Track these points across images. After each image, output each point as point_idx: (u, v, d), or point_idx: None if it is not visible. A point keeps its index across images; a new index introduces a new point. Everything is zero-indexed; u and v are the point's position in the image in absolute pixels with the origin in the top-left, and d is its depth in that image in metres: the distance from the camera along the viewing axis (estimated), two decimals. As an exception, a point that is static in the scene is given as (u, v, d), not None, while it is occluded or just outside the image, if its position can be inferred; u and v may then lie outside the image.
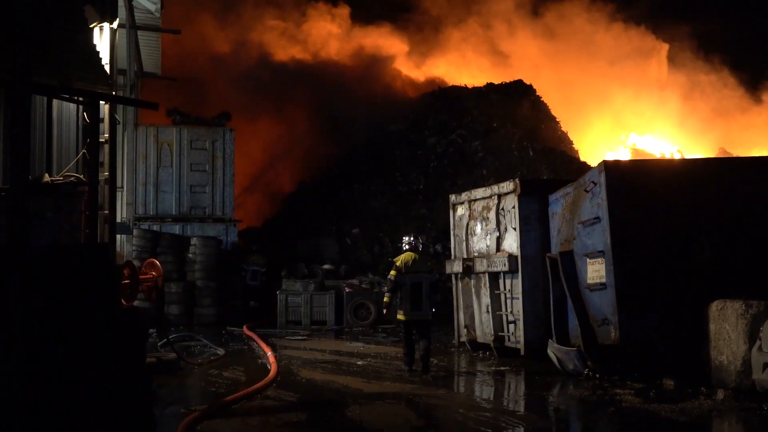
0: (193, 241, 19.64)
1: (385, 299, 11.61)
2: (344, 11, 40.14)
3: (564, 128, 33.99)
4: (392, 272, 11.37)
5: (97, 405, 6.35)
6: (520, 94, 33.65)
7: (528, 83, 34.56)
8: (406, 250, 11.58)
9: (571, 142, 33.26)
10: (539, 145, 29.60)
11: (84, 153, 10.49)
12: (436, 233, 24.27)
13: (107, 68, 10.95)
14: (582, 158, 31.18)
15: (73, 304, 6.22)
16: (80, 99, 10.61)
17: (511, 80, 34.71)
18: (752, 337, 9.01)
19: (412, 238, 11.73)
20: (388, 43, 39.78)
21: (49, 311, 6.09)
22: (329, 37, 38.00)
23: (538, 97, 34.19)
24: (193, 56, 32.90)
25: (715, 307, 9.55)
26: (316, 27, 38.15)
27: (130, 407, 6.69)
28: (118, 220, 19.53)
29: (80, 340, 6.24)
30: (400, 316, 11.37)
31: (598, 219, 10.52)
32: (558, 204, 11.95)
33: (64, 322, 6.19)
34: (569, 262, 11.23)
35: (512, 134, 30.05)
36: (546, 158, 28.45)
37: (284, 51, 36.67)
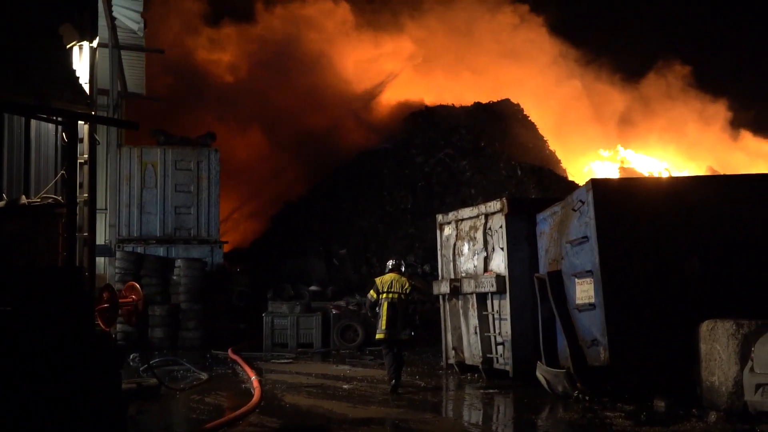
0: (178, 263, 19.37)
1: (369, 314, 12.38)
2: (331, 26, 40.08)
3: (552, 147, 34.01)
4: (371, 291, 11.94)
5: (67, 435, 6.11)
6: (508, 113, 33.64)
7: (515, 102, 34.59)
8: (388, 271, 12.08)
9: (559, 161, 33.25)
10: (527, 164, 29.52)
11: (63, 174, 10.24)
12: (424, 253, 24.07)
13: (86, 87, 10.71)
14: (570, 177, 31.16)
15: (41, 329, 5.99)
16: (58, 119, 10.40)
17: (499, 99, 34.69)
18: (744, 357, 8.86)
19: (394, 261, 12.28)
20: (378, 61, 39.72)
21: (15, 336, 5.85)
22: (317, 54, 37.85)
23: (526, 116, 34.22)
24: (177, 76, 32.75)
25: (705, 327, 9.40)
26: (303, 45, 37.98)
27: (103, 436, 6.45)
28: (100, 242, 19.25)
29: (48, 365, 6.00)
30: (377, 335, 11.77)
31: (586, 238, 10.36)
32: (546, 223, 11.80)
33: (30, 347, 5.95)
34: (557, 282, 11.06)
35: (500, 153, 29.97)
36: (534, 177, 28.34)
37: (270, 69, 36.51)
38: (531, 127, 33.93)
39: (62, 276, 6.57)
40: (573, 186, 26.44)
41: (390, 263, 12.23)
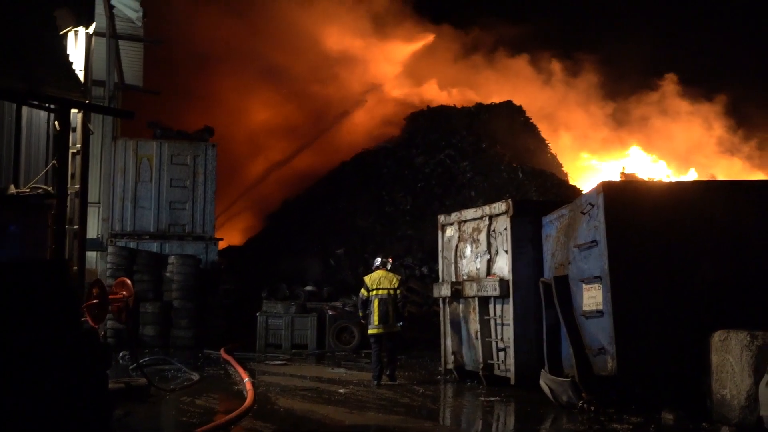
0: (171, 259, 18.98)
1: (360, 313, 13.00)
2: (339, 29, 39.65)
3: (553, 150, 33.72)
4: (362, 290, 12.74)
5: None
6: (509, 115, 33.33)
7: (518, 104, 34.28)
8: (376, 268, 12.93)
9: (560, 165, 32.94)
10: (529, 167, 29.20)
11: (54, 164, 9.89)
12: (423, 255, 23.74)
13: (81, 75, 10.35)
14: (571, 182, 30.84)
15: (22, 324, 5.61)
16: (51, 106, 10.05)
17: (501, 101, 34.39)
18: (758, 370, 8.51)
19: (381, 258, 13.14)
20: (379, 61, 39.36)
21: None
22: (320, 53, 37.46)
23: (528, 119, 33.92)
24: (176, 68, 32.34)
25: (717, 337, 9.06)
26: (308, 43, 37.56)
27: (86, 440, 6.07)
28: (92, 236, 18.87)
29: (30, 362, 5.63)
30: (370, 330, 12.57)
31: (595, 242, 10.01)
32: (552, 226, 11.44)
33: (12, 344, 5.58)
34: (564, 288, 10.70)
35: (501, 155, 29.67)
36: (536, 180, 28.03)
37: (273, 65, 36.11)
38: (533, 129, 33.64)
39: (46, 270, 6.20)
40: (574, 190, 26.15)
41: (377, 261, 13.07)
